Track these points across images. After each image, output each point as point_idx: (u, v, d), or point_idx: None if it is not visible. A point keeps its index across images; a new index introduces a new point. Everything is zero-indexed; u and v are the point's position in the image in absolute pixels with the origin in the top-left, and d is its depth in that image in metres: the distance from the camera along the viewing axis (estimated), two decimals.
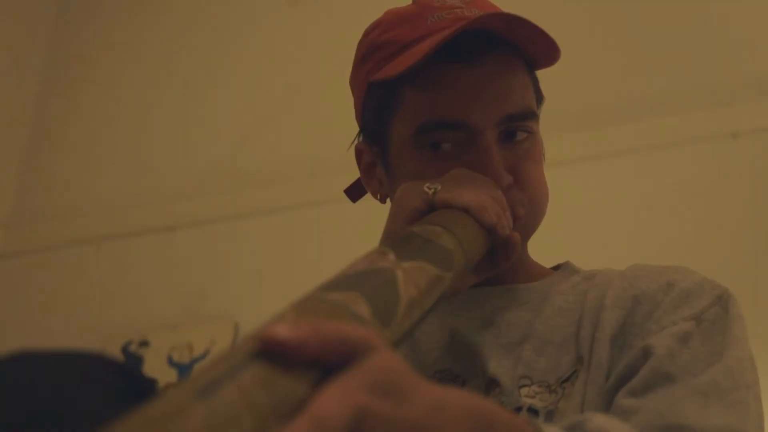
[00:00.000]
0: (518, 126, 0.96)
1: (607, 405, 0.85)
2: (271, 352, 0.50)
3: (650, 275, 0.96)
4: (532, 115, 0.98)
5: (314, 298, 0.61)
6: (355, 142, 1.08)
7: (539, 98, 1.02)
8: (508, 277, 1.03)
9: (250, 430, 0.45)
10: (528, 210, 0.96)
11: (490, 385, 0.91)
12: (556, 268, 1.08)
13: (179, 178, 2.63)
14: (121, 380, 0.55)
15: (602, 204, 2.23)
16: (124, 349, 2.38)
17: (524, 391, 0.90)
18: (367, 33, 1.03)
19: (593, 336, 0.91)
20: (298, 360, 0.50)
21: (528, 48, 0.97)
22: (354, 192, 1.11)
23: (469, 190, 0.88)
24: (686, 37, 2.40)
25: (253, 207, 2.50)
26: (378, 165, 1.04)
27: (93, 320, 2.43)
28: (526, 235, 0.99)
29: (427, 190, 0.88)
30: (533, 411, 0.88)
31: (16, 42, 2.95)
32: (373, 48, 1.01)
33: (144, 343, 2.39)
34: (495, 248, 0.91)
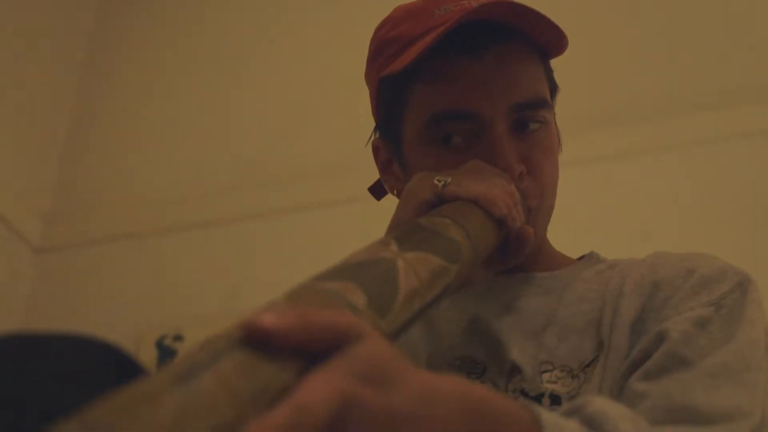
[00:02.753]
0: (530, 115, 0.95)
1: (623, 390, 0.84)
2: (255, 340, 0.49)
3: (671, 262, 0.95)
4: (544, 104, 0.97)
5: (308, 286, 0.61)
6: (372, 138, 1.08)
7: (553, 88, 1.01)
8: (530, 265, 1.02)
9: (227, 417, 0.45)
10: (540, 201, 0.95)
11: (512, 372, 0.91)
12: (581, 258, 1.07)
13: (215, 174, 2.65)
14: (110, 363, 0.55)
15: (639, 201, 2.20)
16: (159, 343, 2.40)
17: (546, 376, 0.89)
18: (377, 30, 1.03)
19: (612, 322, 0.91)
20: (282, 348, 0.50)
21: (536, 36, 0.96)
22: (378, 190, 1.11)
23: (480, 182, 0.87)
24: (726, 32, 2.37)
25: (287, 203, 2.51)
26: (394, 161, 1.04)
27: (128, 314, 2.46)
28: (540, 226, 0.98)
29: (437, 182, 0.87)
30: (555, 396, 0.87)
31: (56, 39, 2.99)
32: (383, 44, 1.01)
33: (178, 338, 2.41)
34: (507, 241, 0.90)
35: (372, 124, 1.08)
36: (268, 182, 2.56)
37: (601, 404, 0.65)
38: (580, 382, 0.88)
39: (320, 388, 0.47)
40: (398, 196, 1.04)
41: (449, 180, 0.87)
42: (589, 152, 2.13)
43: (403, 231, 0.78)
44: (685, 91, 2.32)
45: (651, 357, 0.84)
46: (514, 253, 0.91)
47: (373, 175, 1.11)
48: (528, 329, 0.94)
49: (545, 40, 0.97)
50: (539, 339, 0.93)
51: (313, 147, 2.57)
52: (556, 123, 1.01)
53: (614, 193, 2.21)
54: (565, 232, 1.13)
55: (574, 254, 1.08)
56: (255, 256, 2.48)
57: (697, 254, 0.97)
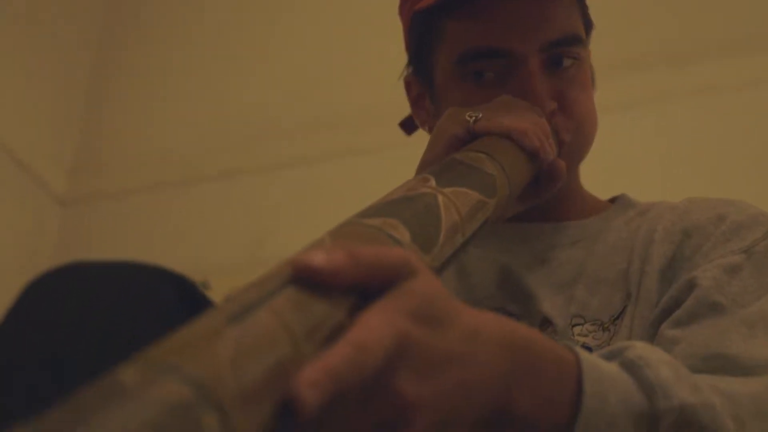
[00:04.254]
0: (564, 52, 0.94)
1: (653, 338, 0.84)
2: (306, 279, 0.49)
3: (702, 208, 0.94)
4: (578, 41, 0.96)
5: (352, 223, 0.61)
6: (405, 74, 1.07)
7: (588, 25, 1.00)
8: (560, 212, 1.02)
9: (286, 353, 0.45)
10: (574, 136, 0.95)
11: (543, 325, 0.91)
12: (613, 200, 1.07)
13: (240, 124, 2.65)
14: (176, 292, 0.55)
15: (681, 144, 2.18)
16: None
17: (577, 330, 0.90)
18: None
19: (642, 270, 0.90)
20: (334, 287, 0.50)
21: None
22: (408, 125, 1.11)
23: (511, 116, 0.87)
24: None
25: (313, 152, 2.51)
26: (426, 97, 1.03)
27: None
28: (573, 162, 0.97)
29: (468, 117, 0.87)
30: (587, 349, 0.87)
31: None
32: None
33: (204, 286, 2.43)
34: (540, 176, 0.90)
35: (400, 67, 1.08)
36: (292, 131, 2.56)
37: (642, 349, 0.65)
38: (611, 335, 0.88)
39: (378, 326, 0.47)
40: (429, 131, 1.03)
41: (480, 115, 0.87)
42: (620, 97, 2.12)
43: (439, 167, 0.78)
44: (715, 36, 2.29)
45: (681, 304, 0.84)
46: (547, 188, 0.91)
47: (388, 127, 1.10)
48: (558, 282, 0.94)
49: None
50: (570, 292, 0.93)
51: (339, 95, 2.56)
52: (590, 61, 1.01)
53: (648, 139, 2.19)
54: (594, 181, 1.13)
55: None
56: (280, 206, 2.49)
57: (729, 200, 0.96)
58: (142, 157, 2.71)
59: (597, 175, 1.11)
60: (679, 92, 2.22)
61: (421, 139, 1.12)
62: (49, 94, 2.79)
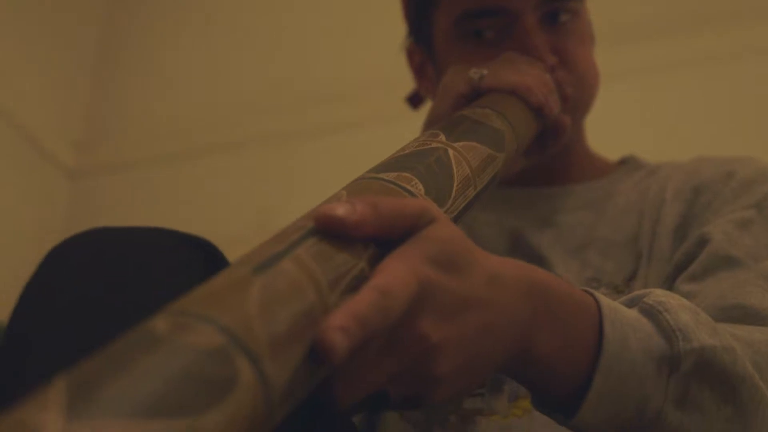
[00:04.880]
0: (559, 6, 0.94)
1: None
2: (328, 230, 0.50)
3: (711, 165, 0.95)
4: None
5: (366, 178, 0.61)
6: (406, 44, 1.08)
7: None
8: (567, 174, 1.02)
9: (312, 302, 0.46)
10: (576, 90, 0.95)
11: None
12: (621, 161, 1.07)
13: (248, 95, 2.64)
14: (196, 253, 0.56)
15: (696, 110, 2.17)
16: None
17: None
18: None
19: (653, 230, 0.91)
20: (356, 238, 0.51)
21: None
22: (415, 99, 1.11)
23: (515, 72, 0.87)
24: None
25: (318, 124, 2.51)
26: (428, 64, 1.04)
27: None
28: (577, 116, 0.98)
29: (473, 74, 0.87)
30: None
31: None
32: None
33: None
34: (544, 131, 0.91)
35: (403, 37, 1.08)
36: (300, 102, 2.56)
37: (661, 295, 0.65)
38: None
39: (400, 272, 0.48)
40: (432, 97, 1.04)
41: (485, 72, 0.87)
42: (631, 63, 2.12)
43: (448, 122, 0.78)
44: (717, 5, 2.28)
45: (694, 260, 0.84)
46: (552, 143, 0.92)
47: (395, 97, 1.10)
48: (570, 246, 0.95)
49: None
50: (582, 256, 0.93)
51: (345, 67, 2.56)
52: (588, 15, 1.01)
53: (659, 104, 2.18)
54: (606, 145, 1.13)
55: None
56: (288, 176, 2.49)
57: (737, 157, 0.96)
58: (150, 129, 2.71)
59: (603, 145, 1.11)
60: (684, 61, 2.22)
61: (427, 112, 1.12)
62: (57, 66, 2.78)
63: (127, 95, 2.82)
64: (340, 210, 0.50)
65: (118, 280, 0.52)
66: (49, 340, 0.50)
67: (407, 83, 1.10)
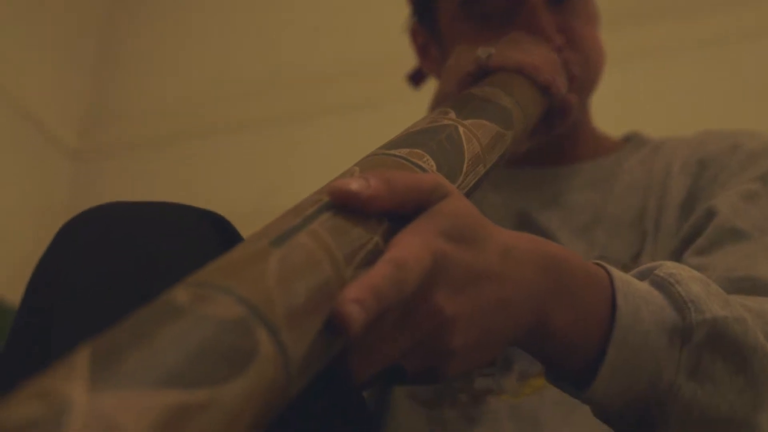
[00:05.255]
0: None
1: None
2: (342, 205, 0.50)
3: (716, 139, 0.95)
4: None
5: (379, 154, 0.61)
6: (410, 23, 1.07)
7: None
8: (573, 153, 1.02)
9: (329, 275, 0.46)
10: (582, 70, 0.95)
11: None
12: (625, 138, 1.07)
13: (252, 75, 2.63)
14: (210, 227, 0.56)
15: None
16: None
17: None
18: None
19: (660, 206, 0.91)
20: (370, 212, 0.51)
21: None
22: (416, 77, 1.11)
23: (522, 51, 0.87)
24: None
25: (322, 104, 2.50)
26: (432, 44, 1.03)
27: None
28: (583, 96, 0.98)
29: (480, 54, 0.87)
30: None
31: None
32: None
33: None
34: (551, 111, 0.91)
35: (406, 17, 1.07)
36: (304, 83, 2.55)
37: (672, 267, 0.65)
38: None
39: (415, 245, 0.49)
40: (436, 76, 1.04)
41: (492, 51, 0.87)
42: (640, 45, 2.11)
43: (457, 100, 0.78)
44: None
45: (701, 233, 0.84)
46: (558, 123, 0.92)
47: (397, 76, 1.09)
48: (576, 225, 0.95)
49: None
50: (589, 235, 0.93)
51: (349, 47, 2.55)
52: None
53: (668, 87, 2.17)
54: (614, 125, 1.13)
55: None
56: (292, 157, 2.49)
57: (742, 130, 0.96)
58: (153, 109, 2.71)
59: (608, 126, 1.11)
60: (687, 44, 2.21)
61: (430, 93, 1.12)
62: (59, 46, 2.77)
63: (130, 75, 2.81)
64: (355, 184, 0.50)
65: (132, 254, 0.52)
66: (66, 314, 0.50)
67: (410, 64, 1.10)
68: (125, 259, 0.52)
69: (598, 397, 0.61)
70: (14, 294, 2.12)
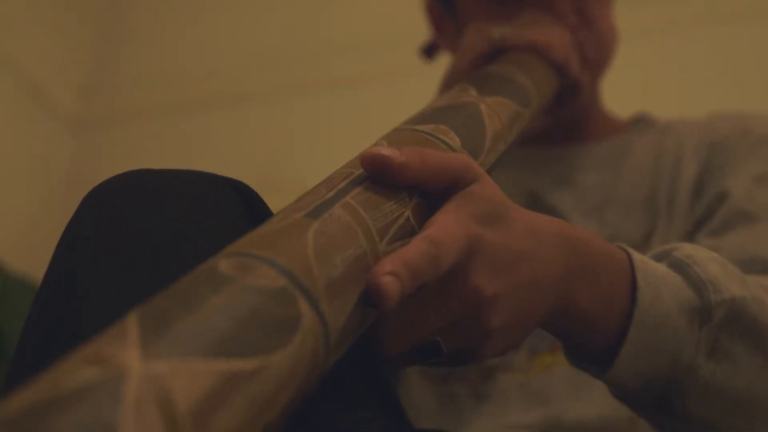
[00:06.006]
0: None
1: None
2: (373, 171, 0.51)
3: (727, 122, 0.95)
4: None
5: (405, 129, 0.61)
6: None
7: None
8: (582, 132, 1.03)
9: (364, 248, 0.46)
10: (596, 50, 0.95)
11: None
12: (634, 119, 1.07)
13: (255, 47, 2.62)
14: (237, 196, 0.56)
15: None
16: None
17: None
18: None
19: (672, 187, 0.92)
20: (400, 182, 0.52)
21: None
22: (430, 50, 1.11)
23: (537, 30, 0.88)
24: None
25: (327, 79, 2.49)
26: (447, 18, 1.03)
27: None
28: (595, 76, 0.98)
29: (495, 33, 0.88)
30: None
31: None
32: None
33: None
34: (563, 91, 0.91)
35: None
36: (308, 56, 2.54)
37: (689, 248, 0.66)
38: (645, 254, 0.90)
39: (450, 226, 0.49)
40: (451, 51, 1.04)
41: (507, 30, 0.88)
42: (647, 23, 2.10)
43: (476, 78, 0.79)
44: None
45: (713, 215, 0.85)
46: (570, 102, 0.93)
47: (409, 51, 1.09)
48: (587, 206, 0.95)
49: None
50: (600, 215, 0.94)
51: (353, 20, 2.53)
52: None
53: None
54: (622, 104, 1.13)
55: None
56: (295, 130, 2.48)
57: (751, 114, 0.97)
58: (156, 78, 2.69)
59: (619, 103, 1.11)
60: (687, 22, 2.21)
61: (435, 67, 1.11)
62: (60, 9, 2.74)
63: (132, 45, 2.79)
64: (387, 151, 0.51)
65: (161, 220, 0.52)
66: (95, 279, 0.50)
67: (416, 39, 1.09)
68: (154, 226, 0.52)
69: (618, 376, 0.61)
70: (15, 262, 2.12)
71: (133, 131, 2.64)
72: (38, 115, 2.60)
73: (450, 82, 0.92)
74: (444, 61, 1.07)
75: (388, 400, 0.64)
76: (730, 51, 2.12)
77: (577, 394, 0.82)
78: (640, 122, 1.05)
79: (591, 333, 0.60)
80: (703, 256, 0.65)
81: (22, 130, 2.55)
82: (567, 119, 0.98)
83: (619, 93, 1.22)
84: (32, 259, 2.11)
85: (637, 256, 0.63)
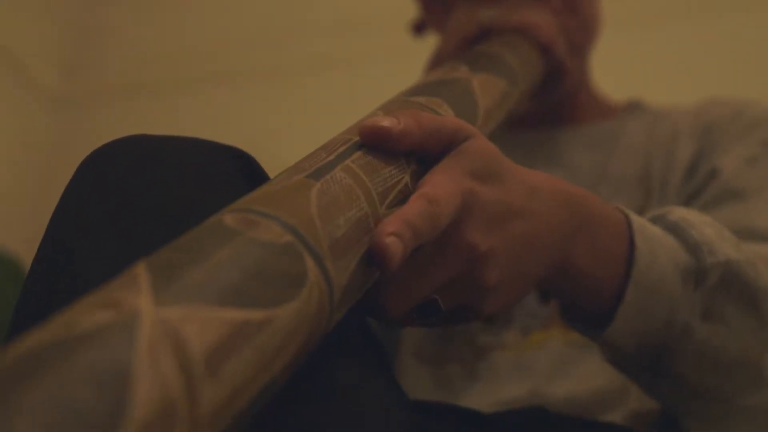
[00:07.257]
0: None
1: None
2: (372, 142, 0.51)
3: (721, 106, 0.97)
4: None
5: (401, 101, 0.62)
6: None
7: None
8: (574, 114, 1.03)
9: (365, 210, 0.47)
10: (580, 34, 0.96)
11: None
12: (626, 104, 1.08)
13: (238, 27, 2.61)
14: (236, 162, 0.56)
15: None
16: None
17: None
18: None
19: (666, 168, 0.93)
20: (400, 150, 0.52)
21: None
22: (420, 27, 1.11)
23: (524, 12, 0.89)
24: None
25: (312, 57, 2.48)
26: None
27: None
28: (580, 59, 0.99)
29: (481, 16, 0.89)
30: None
31: None
32: None
33: None
34: (549, 74, 0.92)
35: None
36: (295, 35, 2.53)
37: (683, 212, 0.67)
38: None
39: (446, 183, 0.50)
40: (438, 30, 1.04)
41: (495, 12, 0.88)
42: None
43: (466, 56, 0.79)
44: None
45: (705, 191, 0.86)
46: (556, 85, 0.93)
47: (397, 31, 1.08)
48: (580, 185, 0.95)
49: None
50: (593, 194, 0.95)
51: (341, 0, 2.52)
52: None
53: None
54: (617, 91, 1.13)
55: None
56: (285, 108, 2.47)
57: (743, 99, 0.98)
58: (139, 57, 2.67)
59: (614, 92, 1.12)
60: (681, 11, 2.21)
61: (421, 48, 1.10)
62: None
63: (117, 19, 2.77)
64: (386, 121, 0.51)
65: (158, 186, 0.52)
66: (91, 246, 0.49)
67: (407, 18, 1.09)
68: (153, 191, 0.51)
69: (615, 337, 0.62)
70: None
71: (115, 109, 2.62)
72: (18, 91, 2.57)
73: (437, 61, 0.92)
74: (431, 42, 1.07)
75: (387, 366, 0.65)
76: (727, 40, 2.13)
77: (569, 370, 0.83)
78: (634, 107, 1.06)
79: (588, 293, 0.61)
80: (697, 219, 0.66)
81: (1, 107, 2.52)
82: (555, 103, 0.99)
83: (613, 82, 1.23)
84: (9, 234, 2.10)
85: (635, 217, 0.63)
